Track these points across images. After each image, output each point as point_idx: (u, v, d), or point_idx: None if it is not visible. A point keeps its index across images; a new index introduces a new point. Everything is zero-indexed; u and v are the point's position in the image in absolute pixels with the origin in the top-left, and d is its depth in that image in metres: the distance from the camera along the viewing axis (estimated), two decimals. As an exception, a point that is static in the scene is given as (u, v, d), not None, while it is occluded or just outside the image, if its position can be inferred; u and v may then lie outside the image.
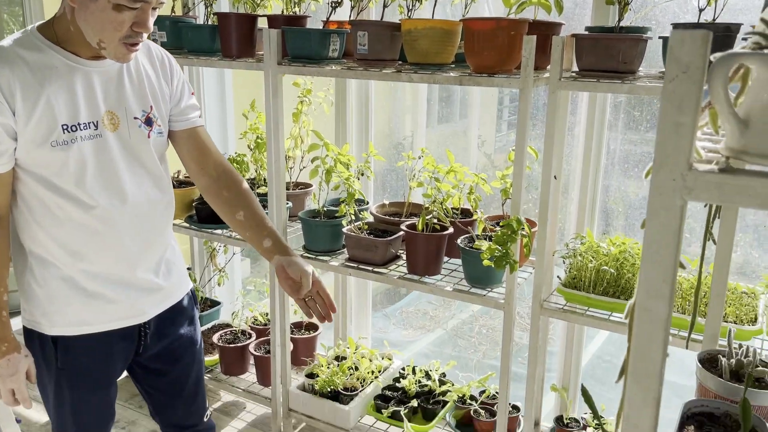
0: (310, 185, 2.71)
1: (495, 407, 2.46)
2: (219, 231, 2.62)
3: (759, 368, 1.31)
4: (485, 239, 2.08)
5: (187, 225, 2.66)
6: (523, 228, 1.87)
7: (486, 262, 1.92)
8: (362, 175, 2.37)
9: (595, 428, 2.28)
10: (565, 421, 2.37)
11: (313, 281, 1.61)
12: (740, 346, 1.35)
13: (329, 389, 2.53)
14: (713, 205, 1.32)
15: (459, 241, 2.16)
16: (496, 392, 2.52)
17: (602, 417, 2.37)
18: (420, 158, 2.28)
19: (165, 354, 1.72)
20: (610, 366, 3.51)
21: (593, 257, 1.99)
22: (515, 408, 2.43)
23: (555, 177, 2.04)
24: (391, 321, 4.36)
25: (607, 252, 1.98)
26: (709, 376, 1.32)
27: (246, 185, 1.70)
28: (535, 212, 2.00)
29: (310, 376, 2.62)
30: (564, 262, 2.08)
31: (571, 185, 2.33)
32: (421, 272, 2.21)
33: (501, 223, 1.90)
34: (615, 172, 2.35)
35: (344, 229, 2.30)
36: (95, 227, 1.50)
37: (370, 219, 2.45)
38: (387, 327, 4.22)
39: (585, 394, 1.05)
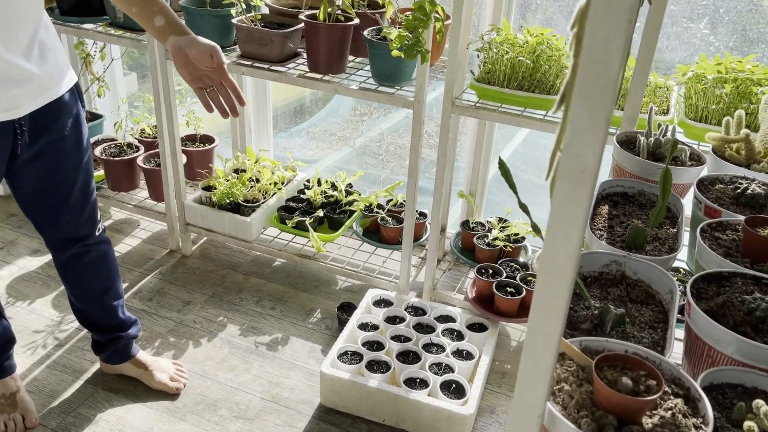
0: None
1: (402, 214, 2.41)
2: (89, 26, 2.25)
3: (678, 146, 1.25)
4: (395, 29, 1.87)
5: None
6: (436, 11, 1.67)
7: (395, 53, 1.73)
8: (254, -44, 2.03)
9: (500, 230, 2.29)
10: (471, 225, 2.36)
11: (218, 69, 1.39)
12: (659, 126, 1.28)
13: (228, 201, 2.38)
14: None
15: (366, 33, 1.94)
16: (404, 200, 2.46)
17: (507, 220, 2.38)
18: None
19: (46, 155, 1.51)
20: (515, 179, 3.55)
21: (509, 49, 1.84)
22: (422, 215, 2.39)
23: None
24: (296, 141, 4.17)
25: (524, 43, 1.84)
26: (627, 155, 1.25)
27: None
28: (449, 3, 1.79)
29: (207, 188, 2.45)
30: (478, 56, 1.93)
31: (488, -25, 2.12)
32: (324, 70, 2.00)
33: (413, 5, 1.69)
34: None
35: (234, 20, 2.01)
36: None
37: (265, 11, 2.15)
38: (292, 147, 4.04)
39: (502, 166, 0.94)
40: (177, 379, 1.92)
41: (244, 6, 2.02)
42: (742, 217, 1.01)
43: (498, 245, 2.23)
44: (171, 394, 1.90)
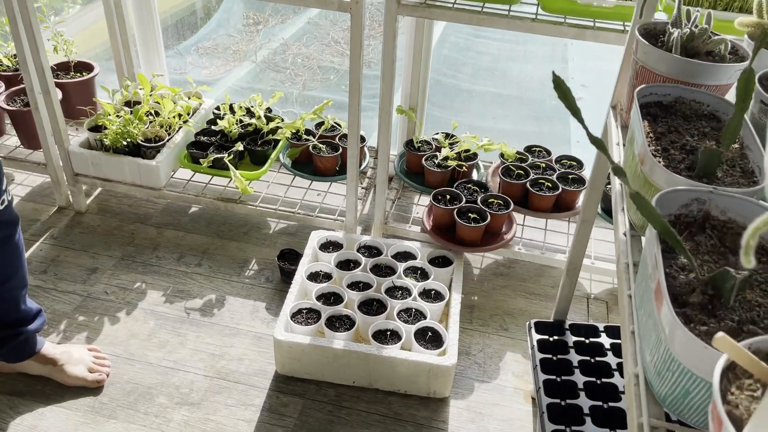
0: None
1: (337, 139, 2.09)
2: None
3: (713, 38, 1.01)
4: None
5: None
6: None
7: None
8: None
9: (450, 146, 2.03)
10: (416, 145, 2.09)
11: None
12: (688, 12, 1.03)
13: (126, 143, 1.95)
14: None
15: None
16: (336, 123, 2.14)
17: (455, 135, 2.12)
18: None
19: None
20: (448, 89, 3.28)
21: (461, -70, 1.51)
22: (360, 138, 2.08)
23: None
24: (186, 60, 3.65)
25: None
26: (658, 53, 1.00)
27: None
28: None
29: (95, 129, 2.00)
30: (422, -58, 1.58)
31: None
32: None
33: None
34: None
35: None
36: None
37: None
38: (184, 67, 3.53)
39: (560, 85, 0.66)
40: (96, 369, 1.58)
41: None
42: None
43: (450, 165, 1.98)
44: (93, 389, 1.56)
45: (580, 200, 1.95)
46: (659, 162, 0.81)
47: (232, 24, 4.25)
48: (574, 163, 2.05)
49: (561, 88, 0.66)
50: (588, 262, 1.82)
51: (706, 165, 0.81)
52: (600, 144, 0.67)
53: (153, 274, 1.89)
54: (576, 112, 0.66)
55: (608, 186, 1.94)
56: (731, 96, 1.05)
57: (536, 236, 2.00)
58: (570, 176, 1.96)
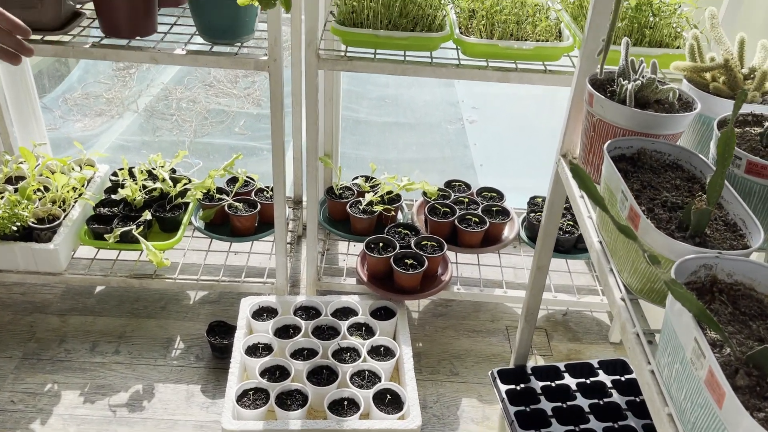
0: None
1: (253, 195, 1.97)
2: None
3: (662, 88, 1.03)
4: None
5: None
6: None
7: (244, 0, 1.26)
8: None
9: (371, 189, 1.98)
10: (338, 192, 2.01)
11: None
12: (632, 62, 1.04)
13: (16, 227, 1.72)
14: None
15: (180, -27, 1.42)
16: (249, 177, 2.03)
17: (374, 178, 2.07)
18: None
19: None
20: (348, 123, 3.21)
21: (375, -21, 1.46)
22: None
23: None
24: (55, 114, 3.35)
25: (391, -31, 1.48)
26: (618, 107, 1.00)
27: None
28: None
29: (-25, 215, 1.75)
30: (333, -8, 1.53)
31: None
32: (127, 32, 1.45)
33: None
34: None
35: (-28, -28, 1.34)
36: None
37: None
38: (53, 122, 3.23)
39: (577, 171, 0.62)
40: (16, 499, 1.36)
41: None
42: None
43: (376, 211, 1.92)
44: None
45: (506, 231, 1.96)
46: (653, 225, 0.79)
47: (101, 69, 3.96)
48: (495, 195, 2.07)
49: (580, 176, 0.63)
50: (522, 292, 1.83)
51: (698, 225, 0.81)
52: (630, 233, 0.64)
53: (65, 371, 1.67)
54: (599, 201, 0.63)
55: (531, 215, 1.98)
56: (682, 141, 1.08)
57: (469, 272, 1.99)
58: (494, 209, 1.97)
